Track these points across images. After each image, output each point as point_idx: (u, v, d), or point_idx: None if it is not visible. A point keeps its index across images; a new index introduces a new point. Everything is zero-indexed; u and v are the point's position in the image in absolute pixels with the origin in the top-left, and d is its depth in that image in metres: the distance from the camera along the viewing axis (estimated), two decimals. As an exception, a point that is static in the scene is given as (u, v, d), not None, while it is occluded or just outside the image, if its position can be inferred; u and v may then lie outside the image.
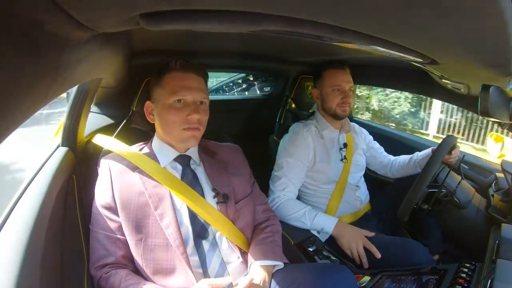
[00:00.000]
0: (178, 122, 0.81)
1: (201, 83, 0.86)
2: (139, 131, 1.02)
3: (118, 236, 0.78)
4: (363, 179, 1.41)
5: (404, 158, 1.43)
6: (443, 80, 1.04)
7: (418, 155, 1.37)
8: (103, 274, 0.76)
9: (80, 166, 0.93)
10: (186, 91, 0.81)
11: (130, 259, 0.80)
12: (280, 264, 0.84)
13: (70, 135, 0.93)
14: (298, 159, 1.25)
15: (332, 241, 1.12)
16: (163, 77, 0.83)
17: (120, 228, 0.78)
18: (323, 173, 1.28)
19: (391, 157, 1.48)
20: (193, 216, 0.81)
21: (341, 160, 1.31)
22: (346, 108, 1.26)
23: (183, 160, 0.87)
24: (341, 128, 1.35)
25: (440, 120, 5.67)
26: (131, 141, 0.93)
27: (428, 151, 1.33)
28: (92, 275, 0.77)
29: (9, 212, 0.64)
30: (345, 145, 1.34)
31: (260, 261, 0.81)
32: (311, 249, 1.04)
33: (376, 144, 1.51)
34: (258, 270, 0.79)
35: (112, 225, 0.79)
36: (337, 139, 1.34)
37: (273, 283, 0.79)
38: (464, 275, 0.79)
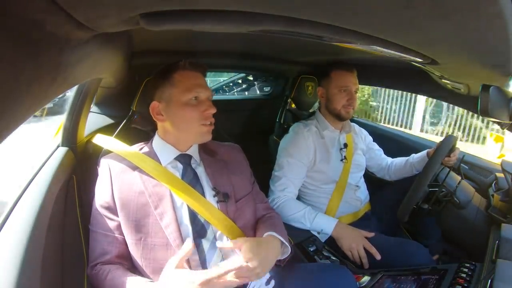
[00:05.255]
0: (196, 118, 0.83)
1: (206, 81, 0.90)
2: (139, 131, 1.02)
3: (116, 235, 0.78)
4: (363, 179, 1.41)
5: (400, 160, 1.43)
6: (443, 80, 1.04)
7: (413, 157, 1.37)
8: (94, 271, 0.76)
9: (80, 166, 0.93)
10: (200, 89, 0.84)
11: (126, 258, 0.80)
12: (288, 250, 0.84)
13: (70, 135, 0.93)
14: (299, 159, 1.25)
15: (332, 241, 1.12)
16: (173, 76, 0.84)
17: (119, 227, 0.78)
18: (323, 173, 1.28)
19: (389, 159, 1.48)
20: (193, 216, 0.81)
21: (341, 160, 1.31)
22: (350, 110, 1.27)
23: (184, 159, 0.88)
24: (341, 128, 1.35)
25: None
26: (131, 141, 0.93)
27: (423, 153, 1.33)
28: (88, 275, 0.77)
29: (9, 212, 0.64)
30: (345, 145, 1.34)
31: (270, 232, 0.82)
32: (311, 249, 1.04)
33: (376, 146, 1.50)
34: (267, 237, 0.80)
35: (111, 225, 0.78)
36: (337, 139, 1.34)
37: (273, 282, 0.78)
38: (464, 275, 0.79)
